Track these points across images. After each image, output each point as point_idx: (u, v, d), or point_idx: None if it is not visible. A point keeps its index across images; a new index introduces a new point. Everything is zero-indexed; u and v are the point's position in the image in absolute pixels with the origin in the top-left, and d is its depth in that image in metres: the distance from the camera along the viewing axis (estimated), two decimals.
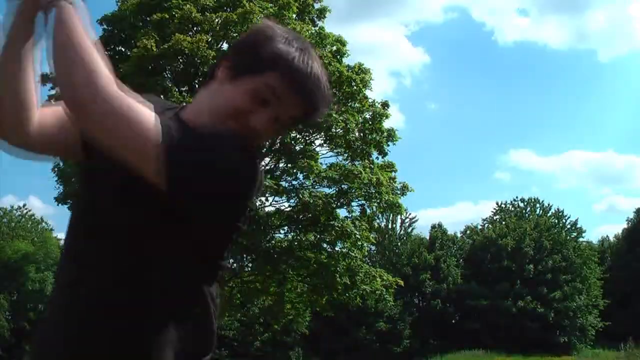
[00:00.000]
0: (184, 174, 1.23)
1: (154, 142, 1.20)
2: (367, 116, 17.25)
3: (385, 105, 17.85)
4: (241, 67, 1.34)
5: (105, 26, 17.24)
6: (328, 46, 17.11)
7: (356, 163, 16.70)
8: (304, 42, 1.39)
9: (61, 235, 48.96)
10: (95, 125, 1.21)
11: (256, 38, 1.37)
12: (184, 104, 1.50)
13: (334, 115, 15.73)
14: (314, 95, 1.34)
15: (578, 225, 41.54)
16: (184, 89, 16.89)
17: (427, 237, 39.97)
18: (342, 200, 16.59)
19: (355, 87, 16.73)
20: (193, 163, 1.24)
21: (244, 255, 17.38)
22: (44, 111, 1.42)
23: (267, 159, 16.60)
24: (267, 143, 16.52)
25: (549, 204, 43.43)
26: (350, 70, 16.91)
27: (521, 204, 44.57)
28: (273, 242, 16.89)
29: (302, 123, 1.44)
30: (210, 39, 15.96)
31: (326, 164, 16.85)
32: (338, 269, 16.14)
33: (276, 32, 1.36)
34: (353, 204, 16.94)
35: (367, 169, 16.19)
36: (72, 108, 1.22)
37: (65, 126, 1.41)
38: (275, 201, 17.04)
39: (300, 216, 16.51)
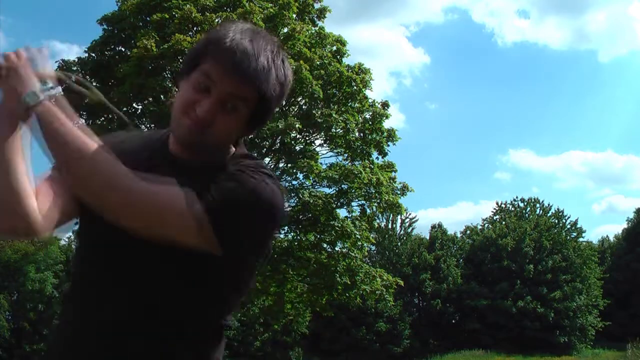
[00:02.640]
0: (234, 238, 1.30)
1: (194, 217, 1.24)
2: (367, 116, 17.23)
3: (385, 105, 17.83)
4: (185, 68, 1.39)
5: (105, 26, 17.22)
6: (328, 46, 17.10)
7: (356, 163, 16.67)
8: (249, 28, 1.37)
9: (61, 235, 48.90)
10: (135, 222, 1.24)
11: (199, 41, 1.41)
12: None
13: (334, 115, 15.73)
14: (246, 69, 1.30)
15: (578, 225, 41.57)
16: None
17: (427, 237, 39.95)
18: (342, 200, 16.56)
19: (355, 87, 16.71)
20: (237, 221, 1.30)
21: None
22: (41, 190, 1.38)
23: (267, 159, 16.56)
24: (267, 143, 16.54)
25: (549, 204, 43.47)
26: (350, 70, 16.89)
27: (521, 204, 44.56)
28: (273, 242, 16.81)
29: (260, 106, 1.37)
30: None
31: (326, 164, 16.76)
32: (338, 269, 16.11)
33: (218, 29, 1.38)
34: (353, 204, 16.92)
35: (367, 169, 16.16)
36: (107, 213, 1.24)
37: (65, 195, 1.38)
38: None
39: (300, 216, 16.47)
